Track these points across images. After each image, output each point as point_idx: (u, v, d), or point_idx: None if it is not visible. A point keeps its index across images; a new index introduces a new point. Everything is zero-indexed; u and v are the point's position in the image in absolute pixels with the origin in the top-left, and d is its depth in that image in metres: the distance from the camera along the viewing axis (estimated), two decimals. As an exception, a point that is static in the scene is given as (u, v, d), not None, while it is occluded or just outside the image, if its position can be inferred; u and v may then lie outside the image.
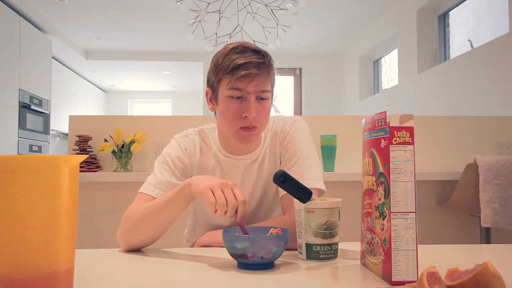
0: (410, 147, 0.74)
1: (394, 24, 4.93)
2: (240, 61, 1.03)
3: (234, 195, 0.89)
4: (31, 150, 4.49)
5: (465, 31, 4.00)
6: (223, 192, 0.89)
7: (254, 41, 3.88)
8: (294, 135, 1.18)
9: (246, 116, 1.06)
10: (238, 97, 1.06)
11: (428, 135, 2.66)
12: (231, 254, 0.85)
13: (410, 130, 0.74)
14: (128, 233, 1.03)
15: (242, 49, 1.06)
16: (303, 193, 0.91)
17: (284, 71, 6.85)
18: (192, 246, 1.17)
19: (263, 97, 1.08)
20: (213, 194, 0.88)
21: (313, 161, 1.17)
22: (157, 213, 1.01)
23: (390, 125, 0.74)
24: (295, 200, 0.92)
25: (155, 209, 1.02)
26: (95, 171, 2.34)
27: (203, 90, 6.95)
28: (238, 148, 1.17)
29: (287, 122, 1.20)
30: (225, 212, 0.88)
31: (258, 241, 0.82)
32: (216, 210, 0.88)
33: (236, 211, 0.89)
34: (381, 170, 0.76)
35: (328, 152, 2.35)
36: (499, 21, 3.43)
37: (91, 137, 2.47)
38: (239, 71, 1.03)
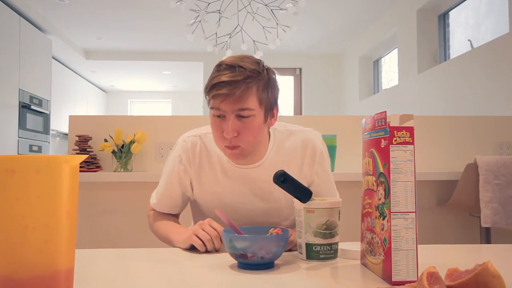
0: (410, 147, 0.74)
1: (394, 24, 4.93)
2: (215, 80, 1.04)
3: (214, 228, 1.00)
4: (31, 150, 4.49)
5: (465, 31, 4.00)
6: (204, 230, 0.99)
7: (254, 41, 3.88)
8: (324, 160, 1.24)
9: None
10: (219, 116, 1.07)
11: (428, 135, 2.66)
12: (231, 254, 0.85)
13: (410, 130, 0.74)
14: (152, 232, 1.27)
15: (225, 67, 1.06)
16: (303, 193, 0.91)
17: (283, 71, 6.85)
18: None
19: (244, 115, 1.05)
20: (198, 237, 0.98)
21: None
22: (162, 239, 1.21)
23: (390, 125, 0.74)
24: (295, 200, 0.92)
25: (160, 236, 1.21)
26: (95, 171, 2.34)
27: (203, 90, 6.99)
28: None
29: (316, 142, 1.21)
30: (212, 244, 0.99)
31: (258, 241, 0.82)
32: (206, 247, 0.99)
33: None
34: (381, 170, 0.76)
35: (328, 152, 2.35)
36: (499, 21, 3.43)
37: (91, 137, 2.47)
38: (213, 91, 1.04)
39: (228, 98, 1.03)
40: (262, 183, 1.17)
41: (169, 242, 1.14)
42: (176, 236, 1.08)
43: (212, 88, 1.04)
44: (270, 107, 1.11)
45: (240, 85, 1.02)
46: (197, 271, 0.84)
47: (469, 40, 3.84)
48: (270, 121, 1.13)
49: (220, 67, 1.06)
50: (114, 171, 2.41)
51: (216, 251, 0.99)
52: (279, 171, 0.90)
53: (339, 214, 0.93)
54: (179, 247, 1.05)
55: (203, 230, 0.99)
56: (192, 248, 1.00)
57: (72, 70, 7.03)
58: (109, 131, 2.47)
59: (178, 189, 1.22)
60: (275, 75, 1.14)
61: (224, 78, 1.03)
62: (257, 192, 1.18)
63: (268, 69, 1.11)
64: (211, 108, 1.08)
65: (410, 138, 0.74)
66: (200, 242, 0.97)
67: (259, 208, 1.19)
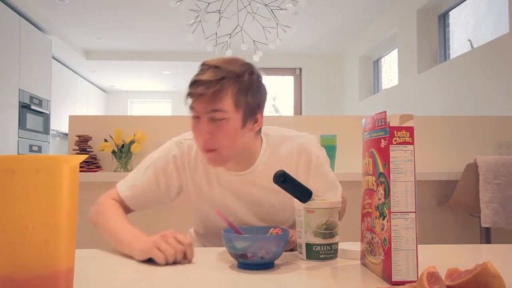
0: (410, 147, 0.74)
1: (394, 24, 4.93)
2: (193, 79, 1.04)
3: (179, 242, 0.89)
4: (31, 150, 4.48)
5: (465, 31, 4.00)
6: (167, 243, 0.89)
7: (254, 41, 3.88)
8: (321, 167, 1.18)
9: None
10: (196, 117, 1.05)
11: (428, 135, 2.66)
12: (231, 254, 0.85)
13: (410, 130, 0.74)
14: (93, 223, 1.15)
15: (205, 67, 1.04)
16: (303, 193, 0.91)
17: (283, 71, 6.84)
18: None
19: (216, 117, 1.02)
20: (159, 249, 0.88)
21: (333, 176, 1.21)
22: (105, 235, 1.06)
23: (390, 125, 0.74)
24: (295, 200, 0.92)
25: (104, 231, 1.07)
26: (95, 171, 2.34)
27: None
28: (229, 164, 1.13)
29: (311, 148, 1.16)
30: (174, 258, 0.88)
31: (258, 241, 0.82)
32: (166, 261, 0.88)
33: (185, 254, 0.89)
34: (381, 170, 0.76)
35: (328, 152, 2.33)
36: (499, 21, 3.43)
37: (91, 137, 2.46)
38: (190, 89, 1.04)
39: (201, 98, 1.01)
40: (255, 189, 1.14)
41: (114, 242, 1.00)
42: (131, 240, 0.95)
43: (190, 87, 1.04)
44: (250, 111, 1.06)
45: (213, 85, 1.00)
46: (197, 271, 0.84)
47: (469, 40, 3.84)
48: (251, 126, 1.08)
49: (203, 66, 1.06)
50: (114, 171, 2.41)
51: (179, 263, 0.88)
52: (279, 171, 0.90)
53: (339, 214, 0.93)
54: (131, 256, 0.92)
55: (167, 243, 0.89)
56: (149, 260, 0.89)
57: (72, 70, 7.03)
58: (109, 131, 2.47)
59: (162, 188, 1.17)
60: (261, 79, 1.09)
61: (201, 77, 1.02)
62: (250, 198, 1.15)
63: (252, 73, 1.07)
64: (189, 107, 1.06)
65: (410, 138, 0.74)
66: (162, 256, 0.86)
67: (253, 214, 1.17)
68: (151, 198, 1.18)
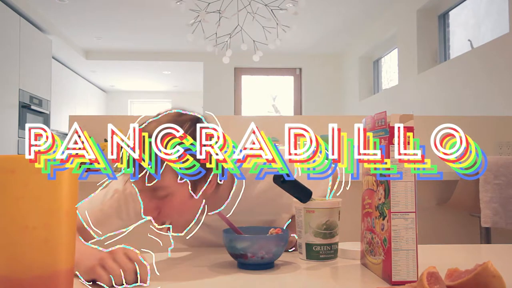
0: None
1: (394, 24, 4.93)
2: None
3: (130, 258, 0.74)
4: (31, 150, 4.48)
5: (465, 31, 4.00)
6: (116, 261, 0.74)
7: (254, 41, 3.88)
8: None
9: None
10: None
11: (428, 135, 2.66)
12: (231, 254, 0.85)
13: (410, 130, 0.74)
14: None
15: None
16: (303, 193, 0.91)
17: (283, 71, 6.84)
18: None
19: (158, 196, 0.89)
20: (104, 269, 0.72)
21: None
22: None
23: (390, 125, 0.74)
24: (295, 200, 0.92)
25: None
26: (95, 171, 2.34)
27: (203, 90, 6.91)
28: None
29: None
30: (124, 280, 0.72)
31: (258, 241, 0.82)
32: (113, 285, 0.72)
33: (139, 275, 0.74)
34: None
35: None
36: (499, 21, 3.43)
37: (91, 137, 2.47)
38: None
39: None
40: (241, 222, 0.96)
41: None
42: (77, 258, 0.70)
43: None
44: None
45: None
46: (197, 271, 0.84)
47: (469, 40, 3.84)
48: (204, 190, 0.90)
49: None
50: (114, 171, 2.41)
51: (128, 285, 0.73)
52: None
53: (339, 214, 0.93)
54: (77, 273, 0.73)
55: (114, 261, 0.73)
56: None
57: (72, 70, 7.03)
58: (109, 131, 2.48)
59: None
60: (208, 130, 0.86)
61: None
62: (248, 207, 1.01)
63: (194, 131, 0.82)
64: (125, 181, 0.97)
65: (410, 138, 0.74)
66: (106, 277, 0.71)
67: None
68: (121, 224, 1.02)
